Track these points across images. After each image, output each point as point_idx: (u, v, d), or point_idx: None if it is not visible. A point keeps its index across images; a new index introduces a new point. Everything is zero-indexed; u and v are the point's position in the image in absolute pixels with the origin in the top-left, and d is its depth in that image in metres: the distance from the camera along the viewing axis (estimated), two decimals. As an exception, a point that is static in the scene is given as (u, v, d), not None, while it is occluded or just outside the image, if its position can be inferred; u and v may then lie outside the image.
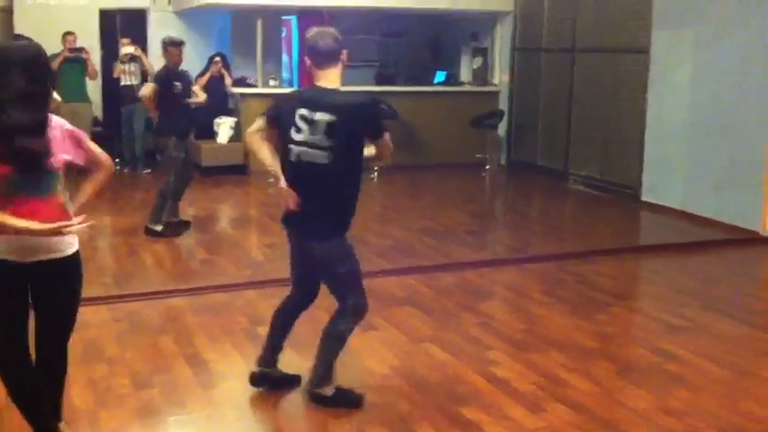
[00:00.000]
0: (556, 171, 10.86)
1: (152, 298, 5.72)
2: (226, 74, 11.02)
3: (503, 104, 11.94)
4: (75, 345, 4.74)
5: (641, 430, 3.84)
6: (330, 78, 3.79)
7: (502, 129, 11.95)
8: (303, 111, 3.73)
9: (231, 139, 10.91)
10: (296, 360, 4.37)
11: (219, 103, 11.28)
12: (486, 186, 11.16)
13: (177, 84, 7.50)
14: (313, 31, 3.84)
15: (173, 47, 7.55)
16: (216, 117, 10.96)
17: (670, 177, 8.84)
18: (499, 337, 5.04)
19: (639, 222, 8.94)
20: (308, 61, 3.85)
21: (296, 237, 3.98)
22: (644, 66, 9.18)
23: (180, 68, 7.70)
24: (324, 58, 3.77)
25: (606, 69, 9.91)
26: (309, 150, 3.72)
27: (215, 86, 10.96)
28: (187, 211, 8.55)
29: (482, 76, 12.28)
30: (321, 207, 3.82)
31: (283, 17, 11.73)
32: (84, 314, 5.28)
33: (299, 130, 3.74)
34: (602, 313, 5.53)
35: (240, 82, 11.47)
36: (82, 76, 10.59)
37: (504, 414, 3.96)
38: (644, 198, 9.21)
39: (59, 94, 10.45)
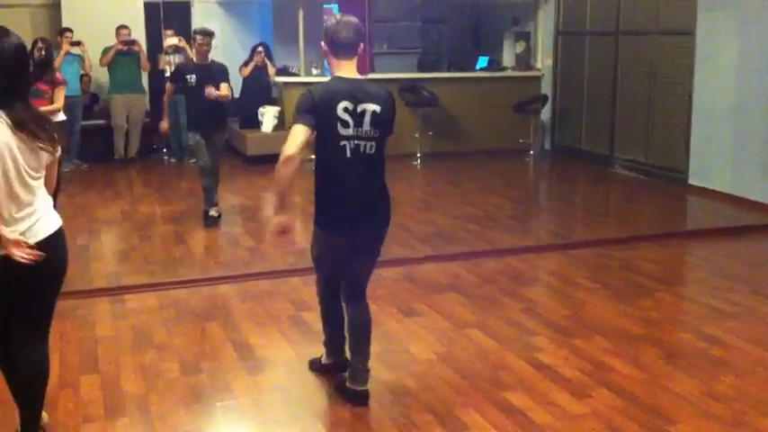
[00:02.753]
0: (600, 155, 10.76)
1: (199, 285, 5.81)
2: (269, 63, 11.10)
3: (546, 89, 11.84)
4: (125, 331, 4.90)
5: (687, 416, 3.82)
6: (352, 68, 3.72)
7: (545, 114, 11.86)
8: (346, 103, 3.60)
9: (275, 128, 10.98)
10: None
11: (263, 92, 11.38)
12: (530, 172, 11.10)
13: (190, 76, 7.51)
14: (335, 21, 3.71)
15: (200, 35, 7.58)
16: (260, 106, 11.04)
17: (717, 161, 8.71)
18: (543, 323, 5.04)
19: (686, 207, 8.82)
20: (326, 50, 3.73)
21: (356, 233, 3.81)
22: (689, 48, 9.04)
23: (210, 60, 7.71)
24: (349, 49, 3.69)
25: (651, 52, 9.77)
26: (362, 143, 3.64)
27: (258, 76, 11.08)
28: (232, 200, 8.67)
29: (525, 60, 12.19)
30: (379, 195, 3.81)
31: (325, 5, 11.77)
32: (133, 301, 5.47)
33: (346, 125, 3.61)
34: (648, 299, 5.49)
35: (283, 71, 11.53)
36: (136, 68, 10.77)
37: (548, 400, 3.97)
38: (690, 182, 9.09)
39: (113, 85, 10.74)
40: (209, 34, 7.65)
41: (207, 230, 7.44)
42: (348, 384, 3.98)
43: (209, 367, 4.37)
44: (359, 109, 3.62)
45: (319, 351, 4.33)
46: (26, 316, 3.28)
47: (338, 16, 3.74)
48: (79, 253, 6.38)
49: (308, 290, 5.66)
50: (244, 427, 3.87)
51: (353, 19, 3.75)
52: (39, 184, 3.21)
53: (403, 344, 4.71)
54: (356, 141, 3.64)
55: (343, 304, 4.02)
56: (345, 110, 3.60)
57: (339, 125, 3.60)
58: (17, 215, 3.11)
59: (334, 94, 3.62)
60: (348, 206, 3.74)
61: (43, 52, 8.63)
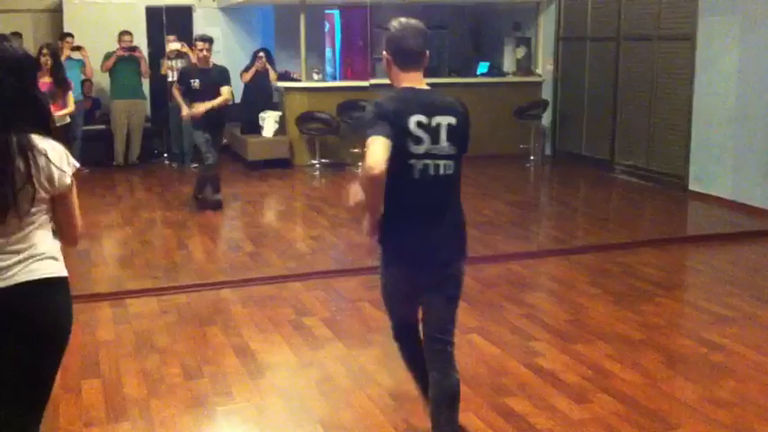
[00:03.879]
0: (601, 161, 10.77)
1: (201, 290, 5.82)
2: (270, 68, 11.12)
3: (546, 94, 11.87)
4: (127, 336, 4.91)
5: (688, 421, 3.83)
6: (420, 79, 3.23)
7: (546, 119, 11.88)
8: (420, 117, 3.09)
9: (276, 133, 11.00)
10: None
11: (264, 97, 11.40)
12: (531, 177, 11.11)
13: (193, 81, 8.08)
14: (398, 26, 3.20)
15: (200, 41, 8.13)
16: (261, 111, 11.06)
17: (717, 166, 8.72)
18: (544, 328, 5.04)
19: (686, 212, 8.83)
20: (389, 60, 3.23)
21: (420, 264, 3.25)
22: (690, 53, 9.05)
23: (212, 65, 8.16)
24: (417, 58, 3.20)
25: (651, 57, 9.79)
26: (435, 162, 3.13)
27: (260, 81, 11.10)
28: (233, 204, 8.70)
29: (525, 66, 12.21)
30: (454, 221, 3.26)
31: (326, 11, 11.81)
32: (135, 306, 5.48)
33: (418, 141, 3.09)
34: (648, 304, 5.50)
35: (284, 76, 11.56)
36: (137, 74, 10.81)
37: (549, 405, 3.98)
38: (691, 187, 9.10)
39: (114, 91, 10.79)
40: (208, 40, 8.13)
41: (208, 235, 7.47)
42: None
43: (211, 372, 4.38)
44: (433, 123, 3.12)
45: (322, 357, 4.34)
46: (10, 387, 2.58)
47: (401, 21, 3.23)
48: (80, 258, 6.39)
49: (309, 295, 5.70)
50: (246, 431, 3.88)
51: (418, 23, 3.24)
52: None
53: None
54: (427, 160, 3.12)
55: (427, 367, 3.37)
56: (419, 124, 3.09)
57: (410, 142, 3.08)
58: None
59: (406, 106, 3.12)
60: (417, 236, 3.20)
61: (49, 58, 8.75)
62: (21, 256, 2.53)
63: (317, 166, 10.81)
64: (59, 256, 2.66)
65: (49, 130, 2.59)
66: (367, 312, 5.35)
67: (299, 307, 5.44)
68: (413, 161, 3.10)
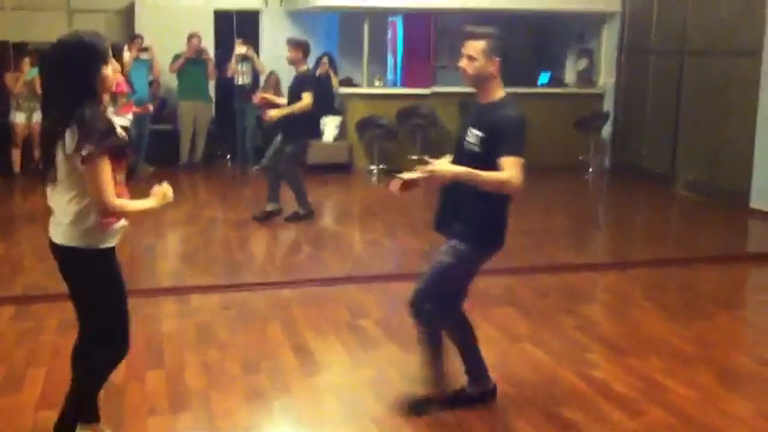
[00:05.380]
0: (661, 175, 10.68)
1: (260, 288, 5.97)
2: (332, 74, 11.27)
3: (608, 106, 11.81)
4: (188, 330, 5.07)
5: (741, 438, 3.83)
6: None
7: (606, 131, 11.81)
8: None
9: (336, 138, 11.15)
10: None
11: (326, 102, 11.55)
12: (589, 189, 11.07)
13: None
14: (500, 33, 3.78)
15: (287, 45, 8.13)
16: (322, 116, 11.22)
17: (781, 184, 8.59)
18: (598, 340, 5.06)
19: (747, 229, 8.71)
20: (498, 65, 3.80)
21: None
22: (756, 68, 8.94)
23: (298, 71, 8.14)
24: None
25: (716, 71, 9.68)
26: None
27: (322, 86, 11.24)
28: (292, 206, 8.84)
29: (587, 77, 12.16)
30: None
31: (390, 18, 11.92)
32: (196, 301, 5.64)
33: None
34: (705, 320, 5.47)
35: (346, 82, 11.70)
36: (204, 76, 11.07)
37: (601, 416, 4.00)
38: (753, 205, 8.97)
39: (181, 92, 11.07)
40: (290, 43, 8.06)
41: (268, 236, 7.63)
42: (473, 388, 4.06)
43: (269, 367, 4.51)
44: None
45: (375, 358, 4.42)
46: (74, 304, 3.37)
47: (494, 28, 3.81)
48: (145, 253, 6.60)
49: (365, 297, 5.80)
50: (302, 426, 3.97)
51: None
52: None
53: (456, 354, 4.77)
54: None
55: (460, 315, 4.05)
56: None
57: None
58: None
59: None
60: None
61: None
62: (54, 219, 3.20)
63: (375, 171, 10.93)
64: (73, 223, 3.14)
65: (84, 118, 2.98)
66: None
67: (354, 309, 5.55)
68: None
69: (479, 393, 4.08)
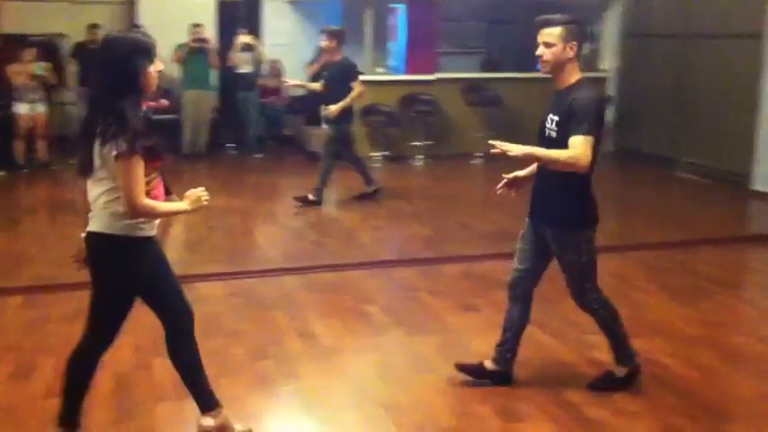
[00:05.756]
0: (663, 158, 10.69)
1: (265, 276, 6.02)
2: (335, 61, 11.27)
3: (611, 90, 11.80)
4: (196, 317, 5.06)
5: (743, 415, 3.88)
6: None
7: (609, 115, 11.80)
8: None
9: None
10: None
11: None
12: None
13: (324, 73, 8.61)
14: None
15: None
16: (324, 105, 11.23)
17: (784, 166, 8.61)
18: (601, 322, 5.09)
19: (748, 211, 8.74)
20: (575, 50, 3.87)
21: None
22: (757, 51, 8.94)
23: (338, 59, 8.34)
24: None
25: (718, 55, 9.70)
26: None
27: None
28: (296, 194, 8.89)
29: (591, 61, 12.15)
30: None
31: (392, 5, 11.91)
32: (202, 289, 5.69)
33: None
34: (707, 301, 5.51)
35: (348, 69, 11.69)
36: (206, 65, 11.08)
37: (604, 396, 4.04)
38: (755, 187, 8.99)
39: (184, 82, 11.09)
40: (324, 32, 8.25)
41: (272, 223, 7.69)
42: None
43: (276, 353, 4.56)
44: None
45: (381, 342, 4.46)
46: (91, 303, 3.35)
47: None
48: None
49: (369, 283, 5.84)
50: (310, 410, 4.01)
51: None
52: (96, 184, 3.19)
53: (462, 338, 4.84)
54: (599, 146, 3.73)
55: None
56: None
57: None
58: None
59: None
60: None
61: None
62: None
63: (379, 158, 10.96)
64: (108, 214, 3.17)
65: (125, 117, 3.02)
66: (425, 301, 5.49)
67: (359, 294, 5.59)
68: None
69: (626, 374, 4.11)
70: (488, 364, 4.18)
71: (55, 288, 5.46)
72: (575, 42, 3.76)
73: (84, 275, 3.35)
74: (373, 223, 7.77)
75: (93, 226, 3.21)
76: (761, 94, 8.92)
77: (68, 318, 4.82)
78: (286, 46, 12.12)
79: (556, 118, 3.74)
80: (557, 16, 3.85)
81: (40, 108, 10.00)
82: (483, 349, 4.64)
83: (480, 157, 10.79)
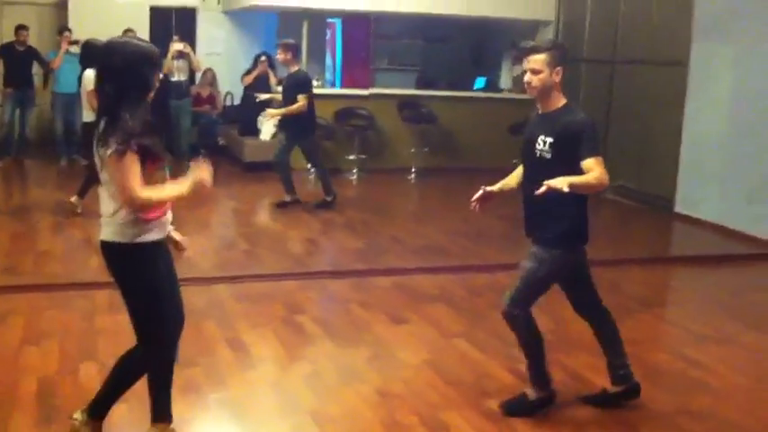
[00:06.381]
0: (591, 180, 10.91)
1: (195, 284, 5.93)
2: (271, 73, 11.28)
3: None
4: (124, 324, 4.94)
5: (658, 430, 3.98)
6: None
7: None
8: None
9: (273, 136, 11.14)
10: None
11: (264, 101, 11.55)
12: (521, 193, 11.24)
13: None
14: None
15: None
16: (259, 114, 11.21)
17: (705, 190, 8.90)
18: (528, 337, 5.18)
19: (672, 233, 9.01)
20: (561, 74, 4.00)
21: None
22: (682, 78, 9.24)
23: (290, 71, 8.63)
24: None
25: (645, 81, 9.98)
26: None
27: (260, 85, 11.25)
28: (229, 204, 8.83)
29: (522, 83, 12.35)
30: None
31: (328, 19, 11.97)
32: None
33: None
34: (630, 319, 5.64)
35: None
36: None
37: (529, 408, 4.12)
38: (678, 210, 9.27)
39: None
40: (280, 46, 8.57)
41: (202, 232, 7.59)
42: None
43: (205, 362, 4.51)
44: None
45: (312, 353, 4.46)
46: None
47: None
48: (75, 247, 6.50)
49: (302, 294, 5.84)
50: (237, 419, 3.99)
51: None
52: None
53: (392, 349, 4.86)
54: None
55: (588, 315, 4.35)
56: None
57: None
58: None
59: None
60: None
61: None
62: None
63: (313, 170, 10.94)
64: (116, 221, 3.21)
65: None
66: (356, 312, 5.50)
67: (291, 305, 5.58)
68: None
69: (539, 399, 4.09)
70: (611, 389, 4.21)
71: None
72: (560, 68, 3.88)
73: None
74: (306, 235, 7.76)
75: (103, 234, 3.27)
76: (685, 120, 9.21)
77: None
78: (220, 56, 12.08)
79: (549, 139, 3.83)
80: (542, 43, 4.02)
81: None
82: (413, 360, 4.69)
83: (414, 172, 10.89)
